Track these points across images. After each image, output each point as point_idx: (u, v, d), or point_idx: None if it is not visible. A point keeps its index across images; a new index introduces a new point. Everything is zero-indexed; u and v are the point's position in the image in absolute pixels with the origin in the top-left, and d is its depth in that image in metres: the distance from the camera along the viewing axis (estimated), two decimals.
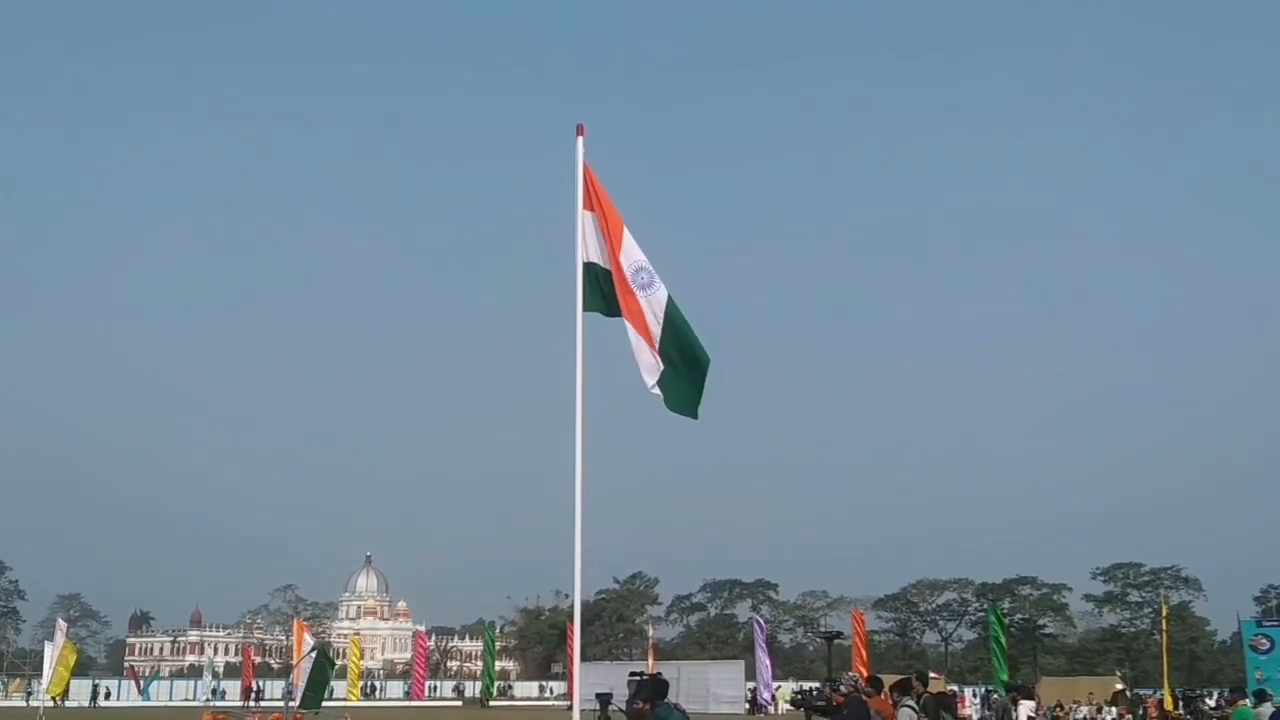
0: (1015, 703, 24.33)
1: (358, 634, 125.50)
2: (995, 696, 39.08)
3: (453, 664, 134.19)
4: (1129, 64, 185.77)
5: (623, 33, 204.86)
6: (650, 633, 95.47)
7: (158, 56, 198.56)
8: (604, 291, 9.32)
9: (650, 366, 9.00)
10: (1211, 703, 45.25)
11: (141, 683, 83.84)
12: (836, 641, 58.77)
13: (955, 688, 63.32)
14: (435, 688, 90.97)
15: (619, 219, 9.31)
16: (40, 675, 51.35)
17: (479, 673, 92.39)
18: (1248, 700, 19.16)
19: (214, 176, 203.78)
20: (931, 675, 22.51)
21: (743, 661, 66.06)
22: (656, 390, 9.01)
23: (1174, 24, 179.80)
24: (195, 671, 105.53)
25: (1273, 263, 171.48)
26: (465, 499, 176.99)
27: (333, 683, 43.48)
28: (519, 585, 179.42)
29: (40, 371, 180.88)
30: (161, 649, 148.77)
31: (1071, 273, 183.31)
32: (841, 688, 15.91)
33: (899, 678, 16.34)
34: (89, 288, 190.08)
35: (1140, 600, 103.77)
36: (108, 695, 70.02)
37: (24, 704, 61.24)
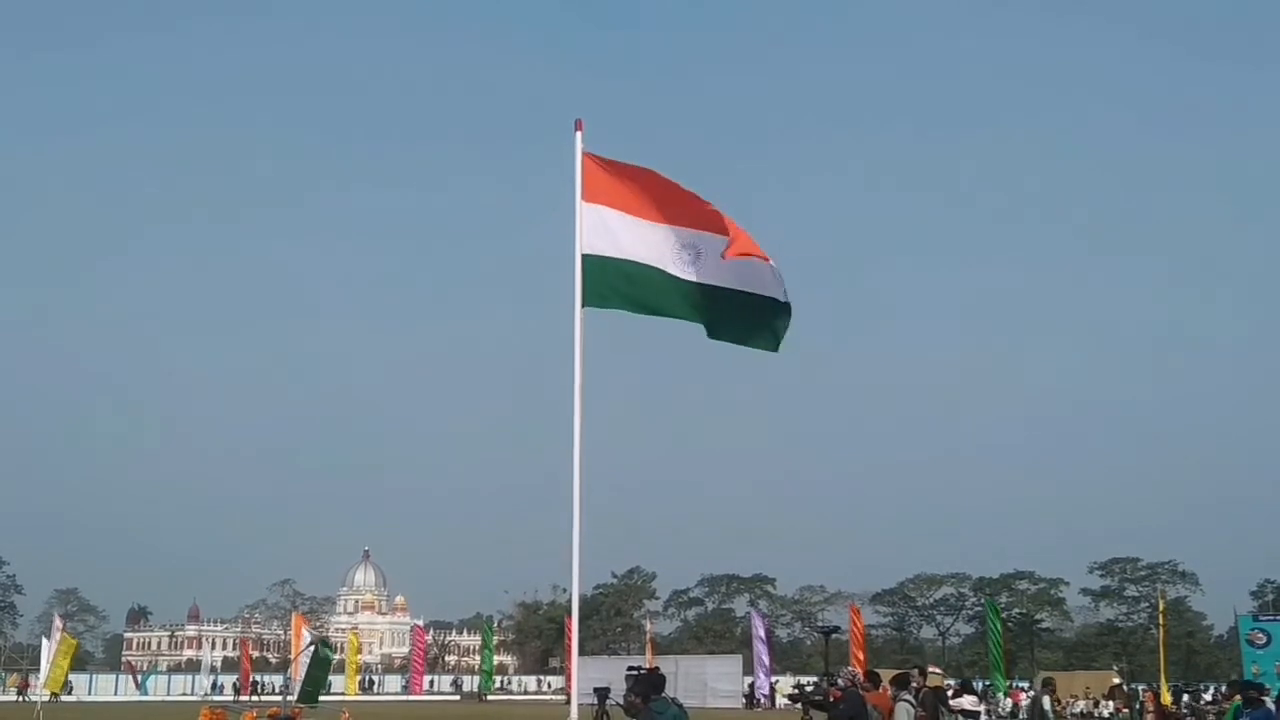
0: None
1: (356, 628, 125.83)
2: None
3: (451, 658, 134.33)
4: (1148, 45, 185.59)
5: (622, 25, 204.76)
6: (648, 627, 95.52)
7: (150, 39, 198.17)
8: (605, 283, 9.30)
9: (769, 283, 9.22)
10: (1209, 697, 45.31)
11: (139, 677, 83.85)
12: (834, 636, 58.86)
13: (952, 682, 63.35)
14: (433, 682, 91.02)
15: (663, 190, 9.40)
16: (37, 670, 51.30)
17: (477, 667, 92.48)
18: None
19: (208, 172, 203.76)
20: (931, 670, 22.53)
21: (740, 656, 66.17)
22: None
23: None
24: (193, 666, 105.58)
25: (1268, 266, 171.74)
26: (463, 494, 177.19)
27: (331, 677, 43.48)
28: (517, 580, 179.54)
29: (36, 367, 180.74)
30: (159, 644, 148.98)
31: (1067, 272, 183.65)
32: (839, 681, 15.88)
33: (896, 672, 16.34)
34: (75, 283, 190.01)
35: (1137, 595, 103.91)
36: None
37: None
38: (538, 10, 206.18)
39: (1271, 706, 18.55)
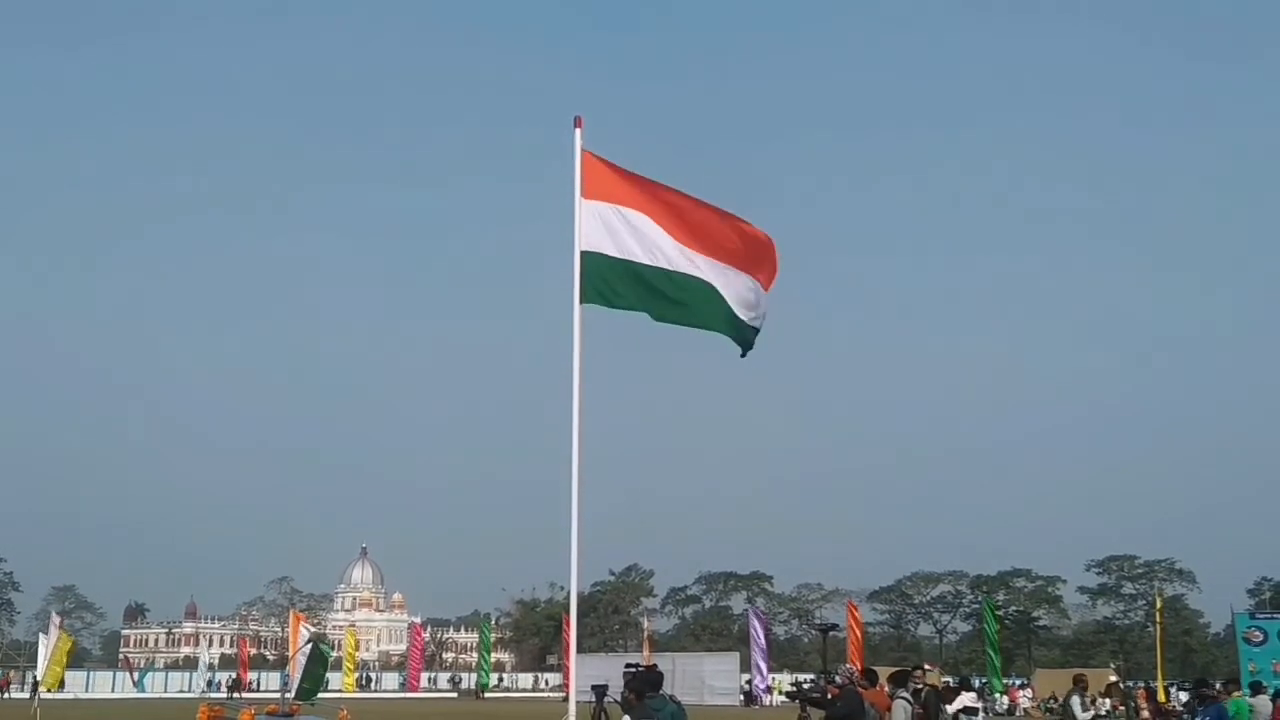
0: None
1: (353, 625, 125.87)
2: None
3: (448, 655, 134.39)
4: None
5: (622, 24, 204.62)
6: (645, 624, 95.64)
7: (149, 37, 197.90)
8: (605, 280, 9.29)
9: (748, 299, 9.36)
10: None
11: (136, 674, 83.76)
12: (831, 634, 58.93)
13: (950, 679, 63.41)
14: (431, 679, 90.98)
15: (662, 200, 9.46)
16: (34, 667, 51.19)
17: (474, 664, 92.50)
18: (1242, 692, 19.22)
19: (208, 168, 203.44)
20: (926, 668, 22.57)
21: (738, 653, 66.17)
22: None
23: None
24: (190, 663, 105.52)
25: (1269, 264, 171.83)
26: (461, 491, 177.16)
27: (328, 674, 43.42)
28: (514, 577, 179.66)
29: (34, 364, 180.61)
30: (157, 641, 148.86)
31: (1066, 271, 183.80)
32: (837, 679, 15.89)
33: (894, 670, 16.34)
34: (73, 280, 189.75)
35: (1134, 593, 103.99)
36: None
37: None
38: (538, 9, 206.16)
39: (1263, 700, 18.60)
